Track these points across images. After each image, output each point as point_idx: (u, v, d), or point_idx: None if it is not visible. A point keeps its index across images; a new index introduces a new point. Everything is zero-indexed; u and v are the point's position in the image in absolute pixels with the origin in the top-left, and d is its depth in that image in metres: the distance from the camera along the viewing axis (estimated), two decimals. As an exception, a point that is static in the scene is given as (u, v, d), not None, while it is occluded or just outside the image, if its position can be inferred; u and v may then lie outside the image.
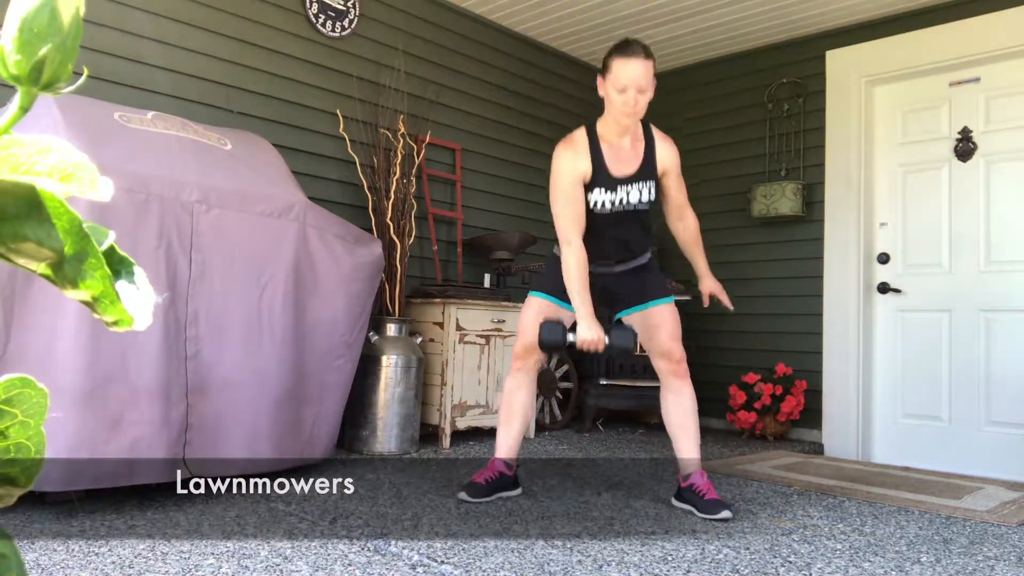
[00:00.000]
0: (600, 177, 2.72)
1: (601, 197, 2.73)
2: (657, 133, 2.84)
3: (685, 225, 2.94)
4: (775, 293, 4.84)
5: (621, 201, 2.75)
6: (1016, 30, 3.97)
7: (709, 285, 2.96)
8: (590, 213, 2.74)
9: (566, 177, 2.69)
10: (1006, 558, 2.30)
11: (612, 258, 2.86)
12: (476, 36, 4.69)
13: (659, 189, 2.84)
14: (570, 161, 2.69)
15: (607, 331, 2.63)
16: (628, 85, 2.58)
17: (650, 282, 2.87)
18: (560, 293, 2.81)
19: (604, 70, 2.66)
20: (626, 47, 2.62)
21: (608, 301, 2.93)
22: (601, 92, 2.70)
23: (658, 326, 2.79)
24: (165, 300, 2.52)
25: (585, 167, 2.70)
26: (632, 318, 2.85)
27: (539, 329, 2.64)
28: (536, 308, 2.86)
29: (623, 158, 2.74)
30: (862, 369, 4.42)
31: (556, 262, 2.86)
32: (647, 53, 2.62)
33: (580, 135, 2.75)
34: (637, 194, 2.76)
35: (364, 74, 4.10)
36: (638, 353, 4.68)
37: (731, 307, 2.92)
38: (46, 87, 0.35)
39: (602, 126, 2.75)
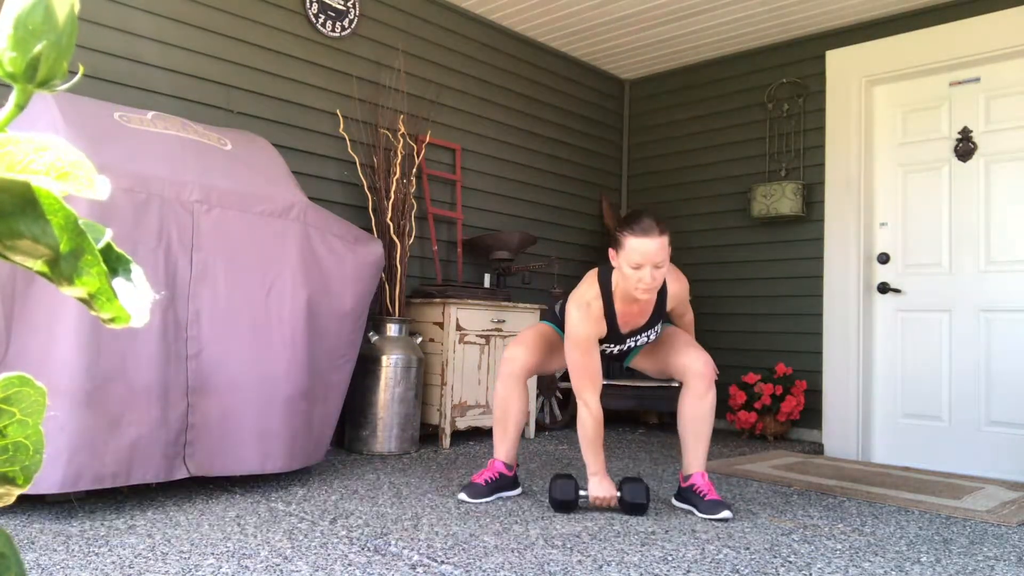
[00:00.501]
0: (611, 335, 2.77)
1: (609, 348, 2.85)
2: (670, 275, 2.75)
3: (682, 323, 3.02)
4: (775, 293, 4.84)
5: (629, 348, 2.87)
6: (1016, 30, 3.97)
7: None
8: (602, 352, 2.85)
9: (585, 344, 2.64)
10: (1006, 558, 2.30)
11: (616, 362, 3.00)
12: (476, 36, 4.70)
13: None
14: (589, 327, 2.64)
15: (619, 487, 2.67)
16: (644, 262, 2.49)
17: (651, 316, 2.82)
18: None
19: (616, 245, 2.56)
20: (639, 223, 2.50)
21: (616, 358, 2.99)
22: (613, 263, 2.61)
23: (669, 345, 2.80)
24: (164, 299, 2.52)
25: (602, 331, 2.71)
26: (641, 357, 2.93)
27: (550, 486, 2.68)
28: (540, 334, 2.94)
29: (635, 314, 2.73)
30: (862, 369, 4.42)
31: (563, 310, 2.90)
32: (661, 229, 2.50)
33: (594, 296, 2.67)
34: (645, 339, 2.84)
35: (364, 74, 4.10)
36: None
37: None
38: (42, 84, 0.35)
39: (615, 283, 2.68)
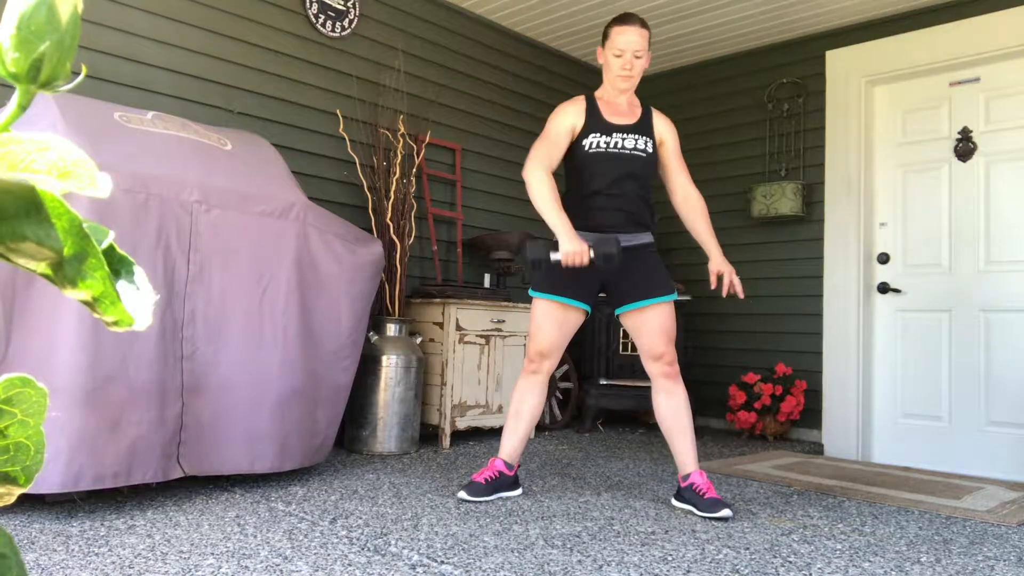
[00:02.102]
0: (594, 123, 2.84)
1: (595, 139, 2.83)
2: (655, 111, 2.97)
3: (689, 203, 2.92)
4: (775, 293, 4.84)
5: (616, 144, 2.82)
6: (1016, 30, 3.97)
7: (718, 266, 2.88)
8: (585, 158, 2.83)
9: (554, 125, 2.84)
10: (1006, 558, 2.30)
11: (612, 223, 2.84)
12: (476, 36, 4.69)
13: (658, 161, 2.92)
14: (564, 114, 2.84)
15: (589, 245, 2.62)
16: (625, 49, 2.76)
17: (651, 275, 2.82)
18: (562, 289, 2.82)
19: (603, 39, 2.84)
20: (624, 16, 2.80)
21: (607, 294, 2.91)
22: (600, 60, 2.87)
23: (652, 326, 2.78)
24: (162, 299, 2.52)
25: (577, 121, 2.84)
26: (633, 314, 2.82)
27: (523, 249, 2.66)
28: (544, 310, 2.85)
29: (619, 112, 2.88)
30: (862, 369, 4.42)
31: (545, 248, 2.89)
32: (643, 23, 2.79)
33: (579, 97, 2.93)
34: (632, 141, 2.84)
35: (364, 74, 4.10)
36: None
37: (742, 294, 2.89)
38: (44, 85, 0.35)
39: (601, 91, 2.93)
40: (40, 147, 0.31)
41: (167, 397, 2.52)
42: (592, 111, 2.85)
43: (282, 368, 2.81)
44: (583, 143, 2.82)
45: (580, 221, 2.83)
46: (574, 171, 2.90)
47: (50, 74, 0.34)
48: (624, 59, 2.77)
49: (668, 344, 2.78)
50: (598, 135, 2.82)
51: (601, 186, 2.82)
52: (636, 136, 2.84)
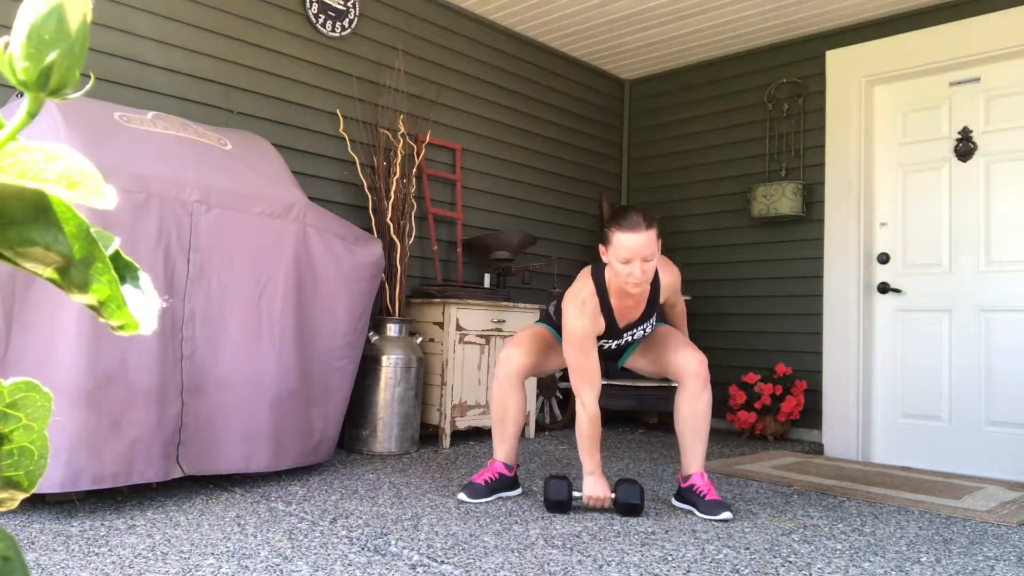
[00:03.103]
0: (609, 330, 2.76)
1: (607, 343, 2.82)
2: (663, 267, 2.76)
3: (675, 313, 3.06)
4: (775, 293, 4.84)
5: (625, 343, 2.84)
6: (1016, 30, 3.97)
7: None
8: (599, 348, 2.83)
9: (582, 342, 2.64)
10: (1006, 558, 2.30)
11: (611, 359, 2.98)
12: (476, 36, 4.69)
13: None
14: (586, 324, 2.64)
15: (613, 488, 2.66)
16: (632, 257, 2.51)
17: (645, 309, 2.83)
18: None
19: (605, 241, 2.59)
20: (626, 219, 2.52)
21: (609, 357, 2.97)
22: (604, 259, 2.64)
23: (664, 345, 2.79)
24: (167, 303, 2.52)
25: (599, 326, 2.70)
26: (636, 356, 2.91)
27: (544, 487, 2.68)
28: (535, 331, 2.94)
29: (630, 307, 2.74)
30: (862, 369, 4.42)
31: (557, 311, 2.93)
32: (648, 223, 2.52)
33: (589, 294, 2.67)
34: (641, 332, 2.83)
35: (364, 74, 4.10)
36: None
37: None
38: (54, 93, 0.35)
39: (609, 279, 2.69)
40: (49, 156, 0.32)
41: (167, 397, 2.53)
42: (608, 319, 2.71)
43: (279, 368, 2.82)
44: (599, 342, 2.80)
45: None
46: None
47: (59, 82, 0.34)
48: (632, 266, 2.51)
49: (689, 350, 2.75)
50: (611, 340, 2.80)
51: (607, 354, 2.90)
52: (644, 325, 2.79)
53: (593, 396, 2.65)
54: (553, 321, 2.96)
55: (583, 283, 2.70)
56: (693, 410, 2.71)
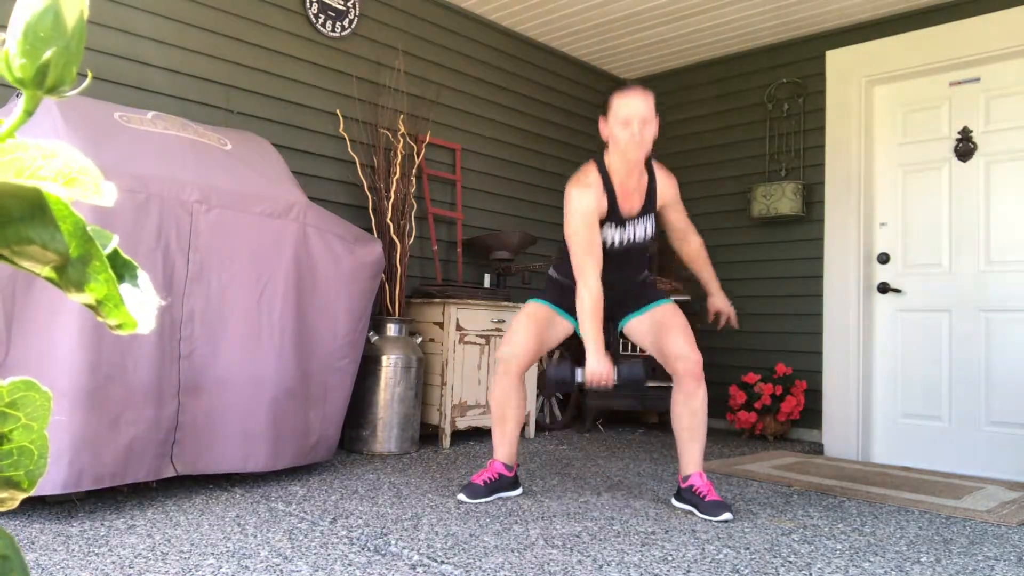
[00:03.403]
0: (613, 214, 2.76)
1: (611, 235, 2.78)
2: (657, 167, 2.89)
3: (689, 246, 2.99)
4: (775, 293, 4.84)
5: (628, 239, 2.81)
6: (1016, 30, 3.97)
7: (717, 303, 2.98)
8: (603, 250, 2.78)
9: (587, 217, 2.67)
10: (1006, 558, 2.30)
11: (613, 280, 2.86)
12: (476, 36, 4.69)
13: (659, 220, 2.94)
14: (590, 200, 2.68)
15: (616, 365, 2.61)
16: (631, 118, 2.61)
17: (648, 289, 2.92)
18: (558, 301, 2.89)
19: (604, 110, 2.70)
20: (623, 85, 2.70)
21: (609, 313, 2.92)
22: (604, 134, 2.72)
23: (668, 327, 2.76)
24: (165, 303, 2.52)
25: (603, 205, 2.73)
26: (638, 322, 2.84)
27: (547, 369, 2.65)
28: (531, 312, 2.89)
29: (630, 194, 2.78)
30: (862, 369, 4.42)
31: (553, 284, 2.95)
32: (645, 90, 2.67)
33: (593, 174, 2.74)
34: (643, 231, 2.83)
35: (364, 74, 4.10)
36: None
37: (737, 325, 2.93)
38: (51, 90, 0.35)
39: (610, 162, 2.76)
40: (46, 154, 0.32)
41: (163, 396, 2.53)
42: (610, 194, 2.74)
43: (278, 368, 2.82)
44: (602, 236, 2.77)
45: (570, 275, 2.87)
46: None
47: (56, 79, 0.34)
48: (632, 129, 2.62)
49: (688, 343, 2.72)
50: (613, 228, 2.78)
51: (610, 264, 2.78)
52: (645, 222, 2.81)
53: (596, 274, 2.65)
54: (546, 296, 2.92)
55: (586, 168, 2.79)
56: (689, 409, 2.72)
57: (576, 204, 2.68)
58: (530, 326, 2.86)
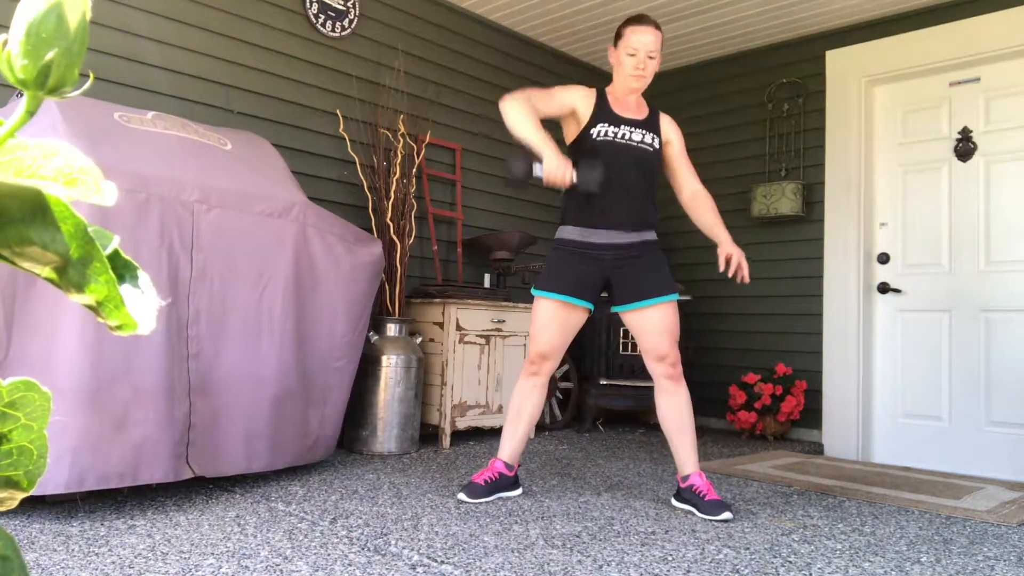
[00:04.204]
0: (603, 113, 2.83)
1: (604, 127, 2.80)
2: (662, 113, 2.99)
3: (698, 199, 2.92)
4: (775, 293, 4.84)
5: (624, 136, 2.81)
6: (1016, 30, 3.97)
7: (727, 249, 2.83)
8: (593, 146, 2.78)
9: (559, 91, 2.85)
10: (1006, 558, 2.30)
11: (618, 218, 2.80)
12: (476, 36, 4.69)
13: (664, 160, 2.94)
14: (573, 91, 2.86)
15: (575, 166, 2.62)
16: (639, 49, 2.77)
17: (653, 275, 2.78)
18: (565, 287, 2.79)
19: (616, 38, 2.86)
20: (638, 17, 2.82)
21: (609, 292, 2.87)
22: (612, 60, 2.89)
23: (655, 327, 2.76)
24: (167, 303, 2.52)
25: (584, 104, 2.84)
26: (634, 314, 2.80)
27: (506, 164, 2.64)
28: (546, 310, 2.82)
29: (628, 108, 2.89)
30: (862, 369, 4.42)
31: (556, 259, 2.86)
32: (657, 25, 2.81)
33: (591, 88, 2.94)
34: (640, 135, 2.83)
35: (364, 74, 4.10)
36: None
37: (747, 279, 2.84)
38: (52, 91, 0.35)
39: (611, 88, 2.93)
40: (47, 153, 0.31)
41: (175, 397, 2.52)
42: (602, 102, 2.86)
43: (278, 368, 2.82)
44: (591, 132, 2.79)
45: (586, 216, 2.82)
46: (584, 160, 2.80)
47: (58, 80, 0.34)
48: (637, 58, 2.78)
49: (672, 345, 2.76)
50: (607, 124, 2.81)
51: (609, 177, 2.71)
52: (644, 131, 2.85)
53: (522, 98, 2.69)
54: (550, 283, 2.82)
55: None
56: (673, 408, 2.75)
57: (563, 86, 2.88)
58: (552, 322, 2.81)
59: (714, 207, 2.93)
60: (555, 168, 2.58)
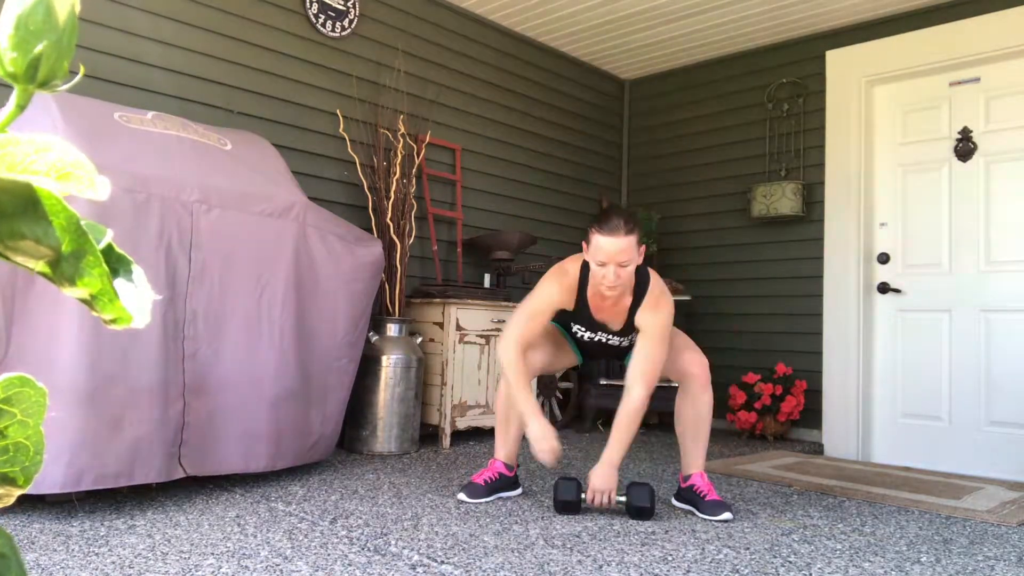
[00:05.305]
0: (581, 317, 2.76)
1: (581, 331, 2.81)
2: (649, 300, 2.66)
3: (624, 398, 2.63)
4: (775, 293, 4.84)
5: (600, 341, 2.81)
6: (1016, 30, 3.97)
7: (593, 477, 2.61)
8: (573, 334, 2.86)
9: (543, 301, 2.69)
10: (1006, 558, 2.30)
11: (597, 356, 2.97)
12: (476, 36, 4.69)
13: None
14: (555, 292, 2.68)
15: (625, 489, 2.62)
16: (607, 261, 2.52)
17: (625, 325, 2.74)
18: (569, 330, 2.89)
19: (588, 239, 2.59)
20: (607, 222, 2.53)
21: (615, 354, 2.92)
22: (586, 257, 2.63)
23: (672, 349, 2.74)
24: (164, 299, 2.52)
25: (566, 302, 2.72)
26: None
27: (554, 489, 2.64)
28: (547, 328, 2.88)
29: (607, 312, 2.72)
30: (862, 369, 4.41)
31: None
32: (628, 229, 2.51)
33: (574, 272, 2.70)
34: (617, 341, 2.80)
35: (364, 74, 4.10)
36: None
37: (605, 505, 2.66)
38: (42, 85, 0.35)
39: (593, 279, 2.67)
40: (40, 148, 0.31)
41: (169, 397, 2.53)
42: (580, 300, 2.70)
43: (278, 368, 2.82)
44: (571, 325, 2.82)
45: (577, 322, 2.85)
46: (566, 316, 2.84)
47: (48, 73, 0.34)
48: (607, 270, 2.52)
49: (695, 355, 2.73)
50: (583, 328, 2.79)
51: (589, 350, 2.90)
52: (620, 337, 2.78)
53: (519, 347, 2.65)
54: (557, 318, 2.89)
55: (573, 261, 2.74)
56: (694, 412, 2.72)
57: (543, 288, 2.70)
58: (543, 335, 2.86)
59: (633, 411, 2.58)
60: (539, 439, 2.54)
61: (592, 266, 2.57)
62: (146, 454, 2.45)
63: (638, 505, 2.57)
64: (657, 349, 2.61)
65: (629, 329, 2.73)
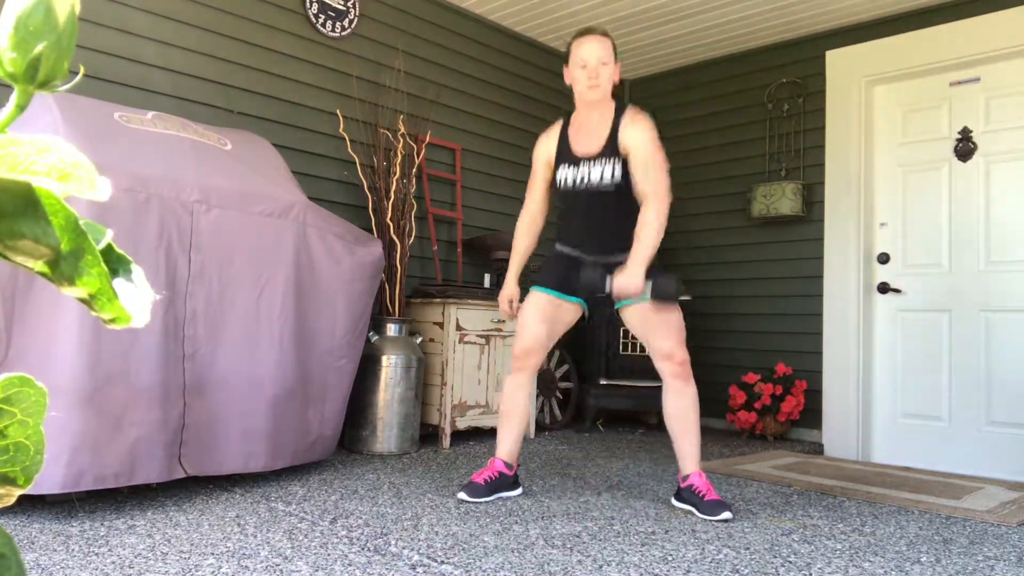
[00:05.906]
0: (563, 154, 2.84)
1: (564, 173, 2.84)
2: (628, 115, 2.78)
3: (642, 211, 2.69)
4: (775, 293, 4.84)
5: (583, 179, 2.79)
6: (1016, 30, 3.97)
7: (618, 278, 2.63)
8: (559, 191, 2.89)
9: (534, 158, 2.97)
10: (1006, 558, 2.30)
11: (589, 246, 2.85)
12: (476, 36, 4.69)
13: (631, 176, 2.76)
14: (539, 145, 2.94)
15: (648, 280, 2.62)
16: (588, 59, 2.72)
17: (652, 275, 2.73)
18: (554, 284, 2.87)
19: (566, 58, 2.82)
20: (583, 30, 2.80)
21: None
22: (568, 81, 2.83)
23: (657, 322, 2.73)
24: (164, 299, 2.52)
25: (551, 149, 2.88)
26: (632, 311, 2.78)
27: (581, 271, 2.68)
28: (534, 303, 2.87)
29: (588, 136, 2.81)
30: (862, 369, 4.42)
31: (555, 260, 2.92)
32: (603, 32, 2.77)
33: (556, 123, 2.96)
34: (599, 174, 2.77)
35: (364, 74, 4.10)
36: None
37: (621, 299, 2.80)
38: (42, 85, 0.35)
39: (575, 112, 2.90)
40: (40, 148, 0.32)
41: (170, 397, 2.53)
42: (562, 140, 2.85)
43: (278, 368, 2.82)
44: (556, 176, 2.88)
45: (575, 243, 2.90)
46: (557, 194, 2.97)
47: (48, 74, 0.34)
48: (589, 68, 2.72)
49: (678, 344, 2.73)
50: (566, 167, 2.83)
51: (578, 216, 2.87)
52: (603, 165, 2.74)
53: (527, 210, 3.00)
54: (548, 280, 2.88)
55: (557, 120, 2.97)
56: (678, 408, 2.74)
57: (535, 150, 2.96)
58: (537, 316, 2.86)
59: (647, 228, 2.64)
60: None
61: (575, 74, 2.76)
62: (146, 454, 2.45)
63: (664, 291, 2.60)
64: (653, 168, 2.72)
65: (613, 149, 2.75)
